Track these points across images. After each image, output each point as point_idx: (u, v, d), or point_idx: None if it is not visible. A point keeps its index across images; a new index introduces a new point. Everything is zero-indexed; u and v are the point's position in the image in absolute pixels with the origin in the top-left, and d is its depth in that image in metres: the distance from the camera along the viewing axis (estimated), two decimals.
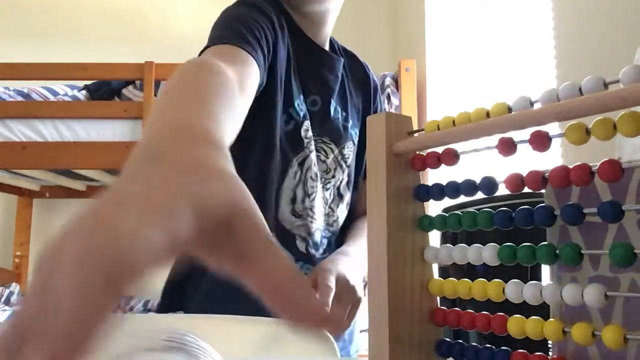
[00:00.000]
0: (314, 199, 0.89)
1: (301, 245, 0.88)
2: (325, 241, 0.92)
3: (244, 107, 0.62)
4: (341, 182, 0.96)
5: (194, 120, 0.34)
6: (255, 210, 0.25)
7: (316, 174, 0.89)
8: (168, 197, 0.22)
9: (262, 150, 0.84)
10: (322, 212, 0.91)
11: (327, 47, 0.96)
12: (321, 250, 0.91)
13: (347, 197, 0.97)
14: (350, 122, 0.97)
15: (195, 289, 0.85)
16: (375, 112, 1.02)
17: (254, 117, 0.70)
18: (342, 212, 0.96)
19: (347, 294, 0.79)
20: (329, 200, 0.93)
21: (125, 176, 0.25)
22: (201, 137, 0.30)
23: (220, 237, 0.24)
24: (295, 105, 0.87)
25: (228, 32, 0.74)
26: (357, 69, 1.01)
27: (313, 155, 0.89)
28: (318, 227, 0.90)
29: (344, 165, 0.95)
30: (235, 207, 0.24)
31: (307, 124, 0.88)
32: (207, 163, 0.26)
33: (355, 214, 1.01)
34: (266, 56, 0.77)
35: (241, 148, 0.72)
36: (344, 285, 0.78)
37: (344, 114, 0.96)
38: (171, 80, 0.44)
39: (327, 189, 0.93)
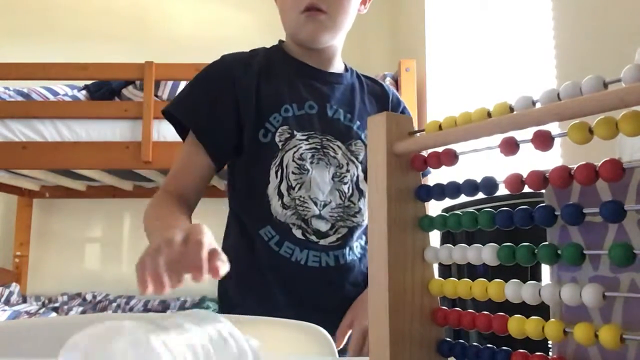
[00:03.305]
0: (299, 189, 1.00)
1: (297, 233, 0.99)
2: (344, 230, 1.02)
3: (188, 207, 0.97)
4: (358, 177, 1.05)
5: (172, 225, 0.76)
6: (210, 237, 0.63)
7: (297, 168, 1.00)
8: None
9: (246, 167, 1.03)
10: (321, 202, 1.01)
11: (333, 69, 1.11)
12: (333, 238, 1.01)
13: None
14: (357, 123, 1.08)
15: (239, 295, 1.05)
16: None
17: (237, 146, 1.01)
18: (365, 206, 1.05)
19: None
20: (348, 194, 1.03)
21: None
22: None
23: None
24: (272, 118, 1.02)
25: (185, 110, 1.03)
26: (374, 87, 1.17)
27: (290, 154, 1.01)
28: (315, 215, 1.00)
29: (355, 161, 1.05)
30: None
31: (281, 129, 1.02)
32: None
33: None
34: (221, 115, 1.00)
35: (234, 169, 1.06)
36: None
37: (348, 115, 1.08)
38: (148, 213, 0.93)
39: (345, 183, 1.03)
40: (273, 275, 0.99)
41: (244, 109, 1.01)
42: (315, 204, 1.00)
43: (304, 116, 1.03)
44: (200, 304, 2.71)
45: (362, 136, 1.07)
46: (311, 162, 1.01)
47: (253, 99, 1.01)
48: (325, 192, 1.01)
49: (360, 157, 1.06)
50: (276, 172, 1.00)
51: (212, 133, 1.00)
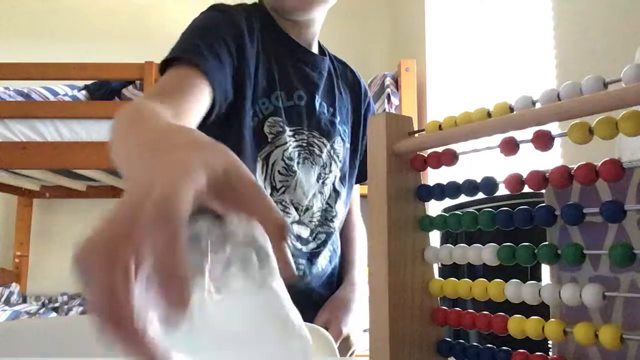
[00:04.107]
0: (283, 192, 0.91)
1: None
2: (322, 236, 0.96)
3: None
4: (336, 177, 0.99)
5: (168, 123, 0.47)
6: (242, 166, 0.36)
7: (285, 168, 0.91)
8: (189, 166, 0.33)
9: (233, 149, 0.86)
10: (303, 208, 0.94)
11: (314, 48, 1.00)
12: (313, 245, 0.95)
13: (343, 193, 1.01)
14: (338, 118, 1.00)
15: None
16: (365, 112, 1.08)
17: (226, 117, 0.83)
18: (340, 209, 1.00)
19: (345, 347, 0.96)
20: (327, 197, 0.97)
21: (150, 160, 0.37)
22: (183, 129, 0.43)
23: (221, 187, 0.33)
24: (260, 102, 0.90)
25: (189, 45, 0.81)
26: (346, 73, 1.07)
27: (279, 151, 0.91)
28: (295, 220, 0.93)
29: (337, 161, 0.99)
30: (229, 167, 0.35)
31: (273, 119, 0.90)
32: (201, 142, 0.38)
33: (349, 216, 1.08)
34: (226, 65, 0.82)
35: None
36: (345, 341, 0.95)
37: (331, 109, 1.00)
38: (121, 116, 0.62)
39: (326, 185, 0.97)
40: None
41: (243, 77, 0.86)
42: (297, 209, 0.93)
43: (293, 108, 0.94)
44: None
45: (341, 132, 1.00)
46: (298, 162, 0.93)
47: (253, 72, 0.88)
48: (309, 195, 0.94)
49: (340, 156, 1.00)
50: (261, 167, 0.90)
51: (212, 63, 0.79)
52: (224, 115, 0.83)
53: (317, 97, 0.97)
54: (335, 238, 1.01)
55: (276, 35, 0.95)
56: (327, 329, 0.92)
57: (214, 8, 0.90)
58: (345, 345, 0.95)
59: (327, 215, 0.97)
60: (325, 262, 0.98)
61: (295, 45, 0.96)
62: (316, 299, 0.97)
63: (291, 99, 0.94)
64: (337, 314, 0.95)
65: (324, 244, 0.97)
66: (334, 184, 0.99)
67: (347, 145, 1.02)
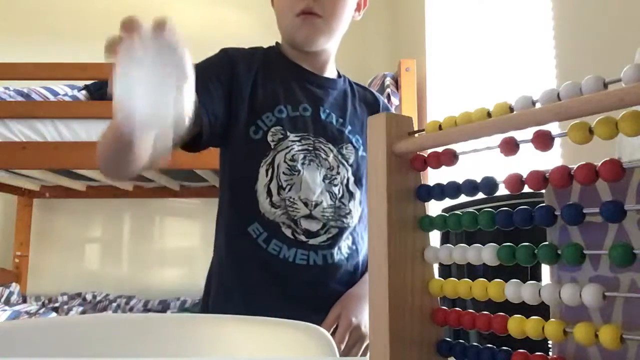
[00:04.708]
0: (289, 190, 1.02)
1: (287, 232, 1.02)
2: (335, 230, 1.04)
3: None
4: (348, 179, 1.08)
5: None
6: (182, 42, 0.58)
7: (288, 169, 1.02)
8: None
9: (234, 162, 1.05)
10: (312, 203, 1.02)
11: (327, 73, 1.14)
12: (323, 238, 1.03)
13: (358, 194, 1.10)
14: (349, 127, 1.11)
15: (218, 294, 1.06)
16: None
17: (223, 136, 1.01)
18: (355, 207, 1.08)
19: (358, 338, 1.01)
20: (339, 195, 1.06)
21: None
22: None
23: None
24: (264, 117, 1.04)
25: None
26: (365, 95, 1.21)
27: (281, 154, 1.02)
28: (304, 215, 1.02)
29: (346, 164, 1.08)
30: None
31: (274, 129, 1.04)
32: None
33: None
34: (214, 92, 0.99)
35: (224, 164, 1.07)
36: (356, 331, 1.00)
37: (340, 120, 1.11)
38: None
39: (335, 185, 1.06)
40: (260, 273, 1.01)
41: (236, 102, 1.02)
42: (306, 204, 1.02)
43: (297, 118, 1.06)
44: (200, 304, 2.70)
45: (353, 140, 1.10)
46: (302, 163, 1.03)
47: (247, 95, 1.04)
48: (317, 192, 1.03)
49: (351, 161, 1.09)
50: (266, 171, 1.02)
51: (201, 95, 0.96)
52: (221, 134, 1.01)
53: (321, 109, 1.09)
54: (357, 237, 1.08)
55: (283, 64, 1.12)
56: (338, 323, 1.00)
57: (222, 49, 1.09)
58: (357, 336, 1.00)
59: (339, 212, 1.05)
60: (339, 257, 1.04)
61: (299, 69, 1.11)
62: (331, 293, 1.03)
63: (297, 110, 1.07)
64: (348, 306, 1.01)
65: (336, 237, 1.04)
66: (347, 186, 1.07)
67: (362, 152, 1.12)
